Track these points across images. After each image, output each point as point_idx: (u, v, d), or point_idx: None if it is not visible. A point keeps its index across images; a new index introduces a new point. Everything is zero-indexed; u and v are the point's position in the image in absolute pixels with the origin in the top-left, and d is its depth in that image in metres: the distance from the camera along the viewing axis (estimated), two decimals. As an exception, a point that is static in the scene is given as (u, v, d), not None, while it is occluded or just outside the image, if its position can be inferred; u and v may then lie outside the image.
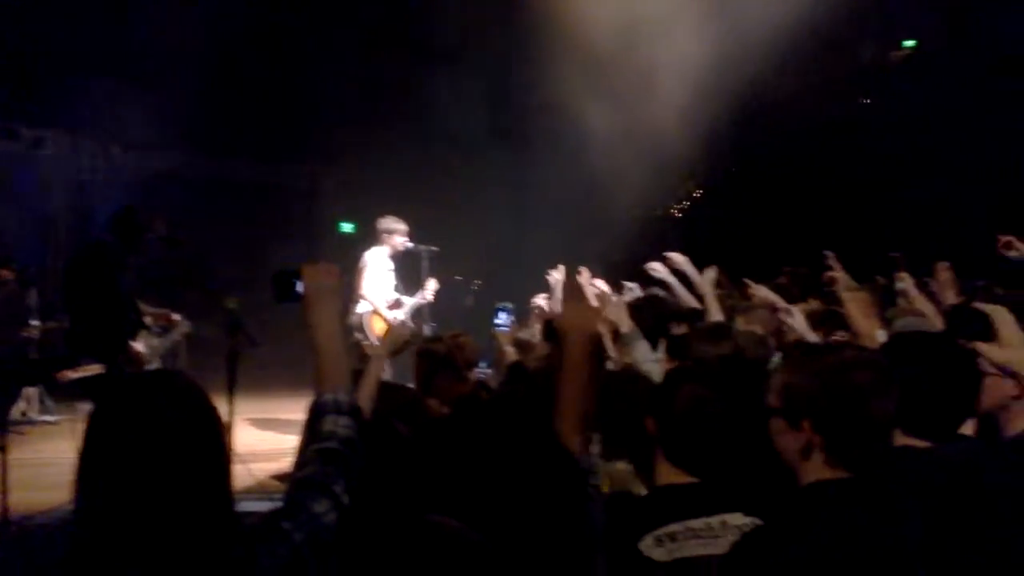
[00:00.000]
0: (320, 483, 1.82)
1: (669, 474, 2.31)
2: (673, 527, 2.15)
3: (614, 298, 4.96)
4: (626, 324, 4.10)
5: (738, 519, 2.19)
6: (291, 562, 1.70)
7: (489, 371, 6.28)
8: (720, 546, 2.13)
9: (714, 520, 2.18)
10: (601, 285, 6.42)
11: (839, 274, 4.80)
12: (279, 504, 1.81)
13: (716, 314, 4.93)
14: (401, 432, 2.84)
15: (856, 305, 3.30)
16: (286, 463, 6.82)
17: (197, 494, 1.63)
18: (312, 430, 1.93)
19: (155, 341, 5.67)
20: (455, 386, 4.33)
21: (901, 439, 2.19)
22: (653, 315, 4.51)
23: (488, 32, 12.55)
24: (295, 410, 8.84)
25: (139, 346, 5.46)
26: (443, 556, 1.90)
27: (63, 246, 12.80)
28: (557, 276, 6.31)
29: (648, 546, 2.14)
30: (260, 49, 13.54)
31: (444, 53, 13.23)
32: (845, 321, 4.35)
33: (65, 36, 11.37)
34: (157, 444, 1.61)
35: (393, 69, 13.70)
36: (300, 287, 2.12)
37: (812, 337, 3.93)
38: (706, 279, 5.49)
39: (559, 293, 6.22)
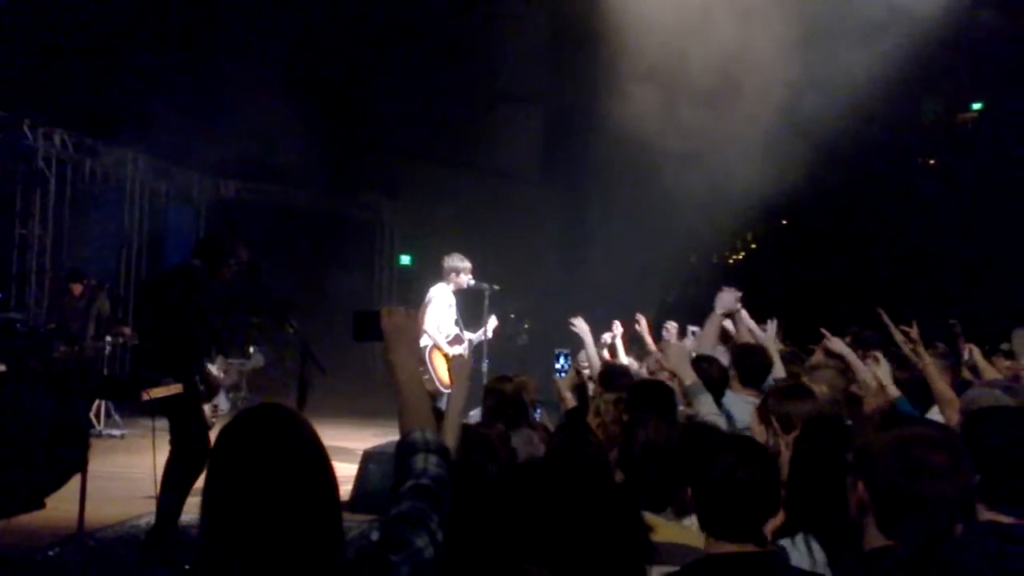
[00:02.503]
0: (418, 518, 1.88)
1: (717, 543, 2.28)
2: None
3: (676, 344, 4.98)
4: (689, 376, 4.10)
5: None
6: None
7: (541, 411, 6.36)
8: None
9: None
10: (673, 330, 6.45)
11: (910, 334, 4.80)
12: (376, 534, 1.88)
13: (779, 370, 4.96)
14: (488, 474, 2.91)
15: (934, 370, 3.32)
16: (343, 491, 6.96)
17: (309, 523, 1.71)
18: (402, 467, 1.99)
19: (229, 364, 5.86)
20: (522, 425, 4.39)
21: (986, 514, 2.20)
22: (719, 367, 4.53)
23: (550, 76, 12.79)
24: (350, 438, 9.00)
25: (214, 369, 5.64)
26: None
27: (134, 263, 13.24)
28: (581, 326, 6.25)
29: None
30: (328, 85, 13.94)
31: (506, 95, 13.51)
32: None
33: (147, 66, 11.84)
34: (277, 474, 1.69)
35: (455, 109, 13.98)
36: (378, 328, 2.19)
37: (894, 392, 3.93)
38: (769, 335, 5.53)
39: (589, 340, 6.21)
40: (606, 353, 6.58)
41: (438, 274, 8.27)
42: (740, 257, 14.40)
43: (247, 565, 1.67)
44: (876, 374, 4.05)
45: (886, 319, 5.02)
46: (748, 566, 2.20)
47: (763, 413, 3.49)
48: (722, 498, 2.25)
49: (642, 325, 6.57)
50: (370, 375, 13.11)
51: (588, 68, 10.64)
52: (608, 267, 11.99)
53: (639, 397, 3.95)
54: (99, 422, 9.53)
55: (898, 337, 4.82)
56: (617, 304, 6.81)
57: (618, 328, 6.49)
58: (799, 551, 2.56)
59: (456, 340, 8.20)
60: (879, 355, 4.19)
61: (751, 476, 2.26)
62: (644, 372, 6.05)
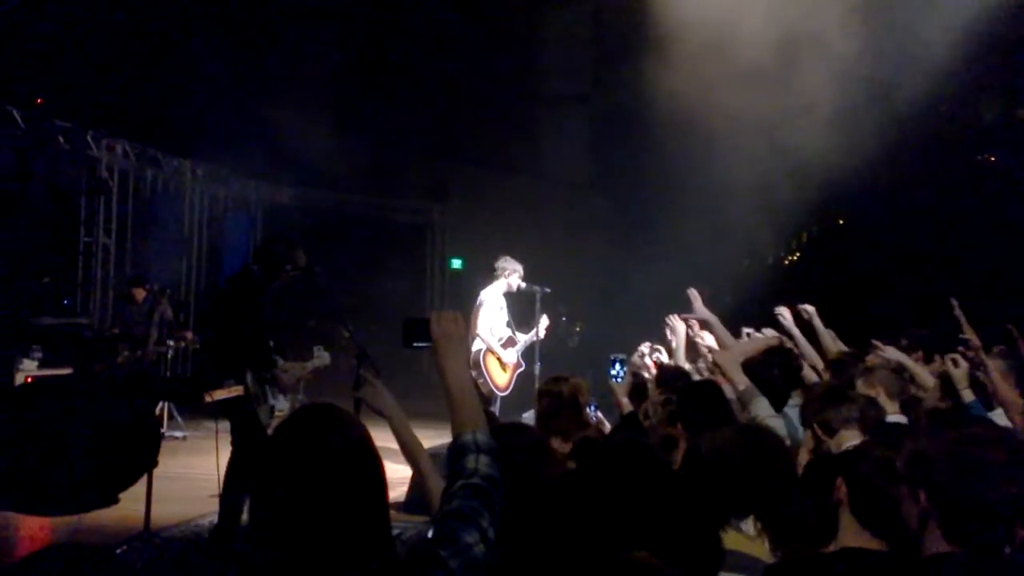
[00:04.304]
0: (469, 515, 1.92)
1: (856, 537, 2.30)
2: None
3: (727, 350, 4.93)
4: (742, 382, 4.03)
5: None
6: None
7: (599, 413, 6.37)
8: None
9: None
10: (709, 336, 6.42)
11: (971, 336, 4.70)
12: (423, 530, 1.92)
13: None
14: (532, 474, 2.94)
15: (999, 375, 3.26)
16: (400, 492, 7.03)
17: (359, 521, 1.74)
18: (453, 468, 2.04)
19: (289, 366, 5.97)
20: (578, 427, 4.40)
21: None
22: (782, 368, 4.50)
23: (598, 77, 12.79)
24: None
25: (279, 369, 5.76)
26: None
27: (195, 269, 13.56)
28: (678, 324, 6.26)
29: None
30: (377, 90, 14.11)
31: (557, 98, 13.52)
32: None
33: (203, 77, 12.12)
34: (325, 473, 1.73)
35: (503, 111, 14.02)
36: (428, 334, 2.22)
37: (968, 396, 3.87)
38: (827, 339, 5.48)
39: (682, 339, 6.20)
40: (648, 361, 6.56)
41: (489, 276, 8.33)
42: (795, 258, 14.20)
43: (294, 562, 1.70)
44: (954, 375, 3.98)
45: (958, 311, 4.91)
46: (882, 563, 2.20)
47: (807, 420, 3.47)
48: (881, 494, 2.23)
49: (695, 328, 6.52)
50: (424, 378, 13.23)
51: (636, 64, 10.58)
52: (659, 271, 11.91)
53: (689, 399, 3.95)
54: (162, 424, 9.77)
55: (968, 333, 4.70)
56: (669, 308, 6.77)
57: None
58: None
59: (509, 342, 8.26)
60: (958, 357, 4.12)
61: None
62: (699, 374, 6.03)
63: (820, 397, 3.68)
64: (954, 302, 4.93)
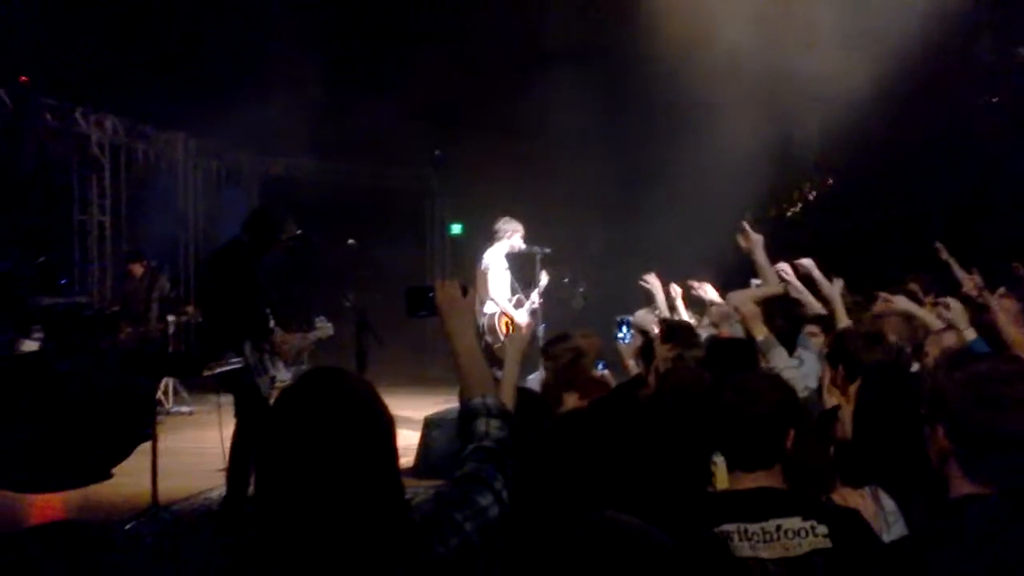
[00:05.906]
0: (482, 478, 1.91)
1: (732, 478, 2.38)
2: (728, 527, 2.23)
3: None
4: (761, 332, 4.04)
5: (795, 523, 2.21)
6: (463, 552, 1.78)
7: (607, 372, 6.34)
8: (773, 550, 2.18)
9: (769, 524, 2.22)
10: (710, 290, 6.37)
11: (974, 281, 4.64)
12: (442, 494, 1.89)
13: (844, 321, 4.85)
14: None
15: (1005, 314, 3.21)
16: (409, 459, 7.03)
17: (371, 484, 1.71)
18: (465, 432, 2.04)
19: (290, 337, 5.92)
20: (595, 385, 4.37)
21: None
22: (785, 317, 4.46)
23: (601, 39, 12.61)
24: (408, 407, 9.07)
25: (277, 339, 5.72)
26: (625, 554, 1.94)
27: (191, 243, 13.47)
28: (653, 281, 6.27)
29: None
30: (372, 56, 13.92)
31: (554, 57, 13.35)
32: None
33: (191, 49, 11.94)
34: (334, 435, 1.69)
35: (502, 73, 13.84)
36: (432, 302, 2.22)
37: (971, 334, 3.81)
38: (835, 288, 5.41)
39: (661, 297, 6.19)
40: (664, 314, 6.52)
41: (490, 239, 8.25)
42: (798, 209, 14.08)
43: (305, 528, 1.67)
44: (949, 318, 3.93)
45: (945, 255, 4.84)
46: (755, 500, 2.27)
47: (834, 356, 3.42)
48: (726, 428, 2.37)
49: (697, 288, 6.48)
50: (427, 345, 13.20)
51: (638, 22, 10.43)
52: (662, 230, 11.84)
53: (723, 354, 3.95)
54: (168, 400, 9.76)
55: (959, 273, 4.65)
56: (672, 268, 6.74)
57: (677, 289, 6.44)
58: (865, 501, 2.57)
59: (519, 303, 8.23)
60: (950, 301, 4.07)
61: (747, 405, 2.36)
62: (705, 327, 5.98)
63: (862, 337, 3.59)
64: (939, 245, 4.86)
